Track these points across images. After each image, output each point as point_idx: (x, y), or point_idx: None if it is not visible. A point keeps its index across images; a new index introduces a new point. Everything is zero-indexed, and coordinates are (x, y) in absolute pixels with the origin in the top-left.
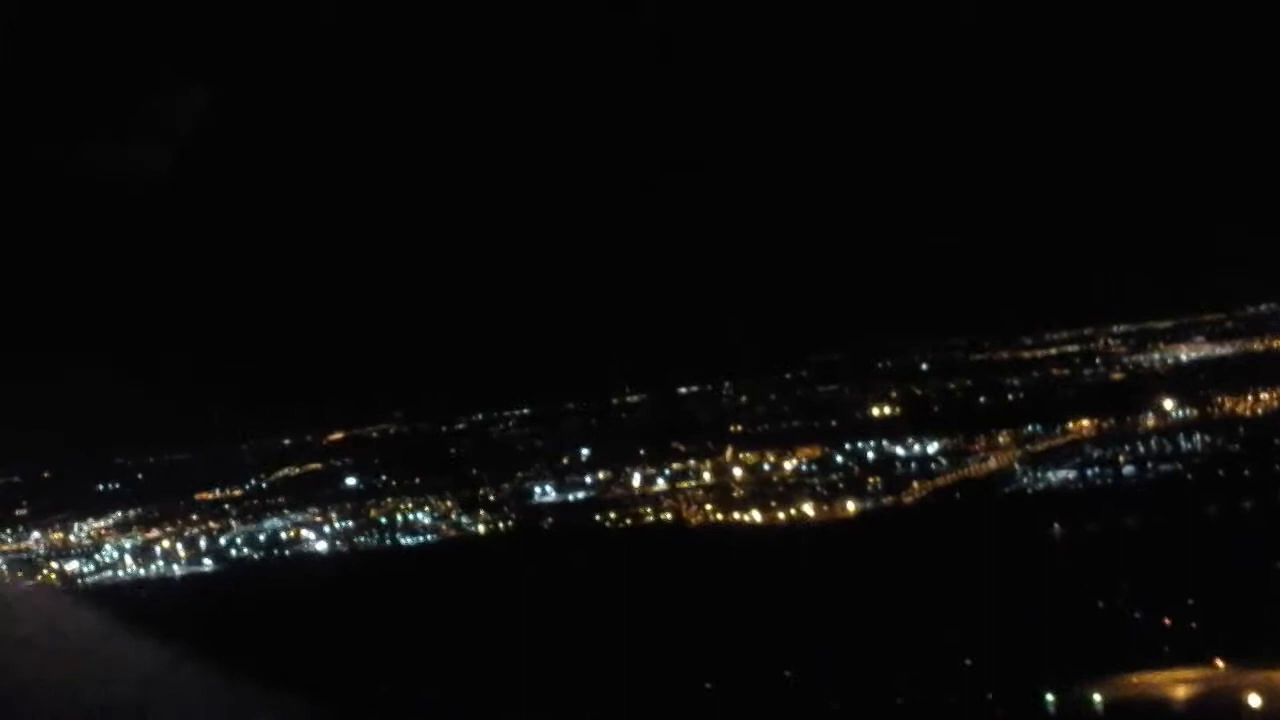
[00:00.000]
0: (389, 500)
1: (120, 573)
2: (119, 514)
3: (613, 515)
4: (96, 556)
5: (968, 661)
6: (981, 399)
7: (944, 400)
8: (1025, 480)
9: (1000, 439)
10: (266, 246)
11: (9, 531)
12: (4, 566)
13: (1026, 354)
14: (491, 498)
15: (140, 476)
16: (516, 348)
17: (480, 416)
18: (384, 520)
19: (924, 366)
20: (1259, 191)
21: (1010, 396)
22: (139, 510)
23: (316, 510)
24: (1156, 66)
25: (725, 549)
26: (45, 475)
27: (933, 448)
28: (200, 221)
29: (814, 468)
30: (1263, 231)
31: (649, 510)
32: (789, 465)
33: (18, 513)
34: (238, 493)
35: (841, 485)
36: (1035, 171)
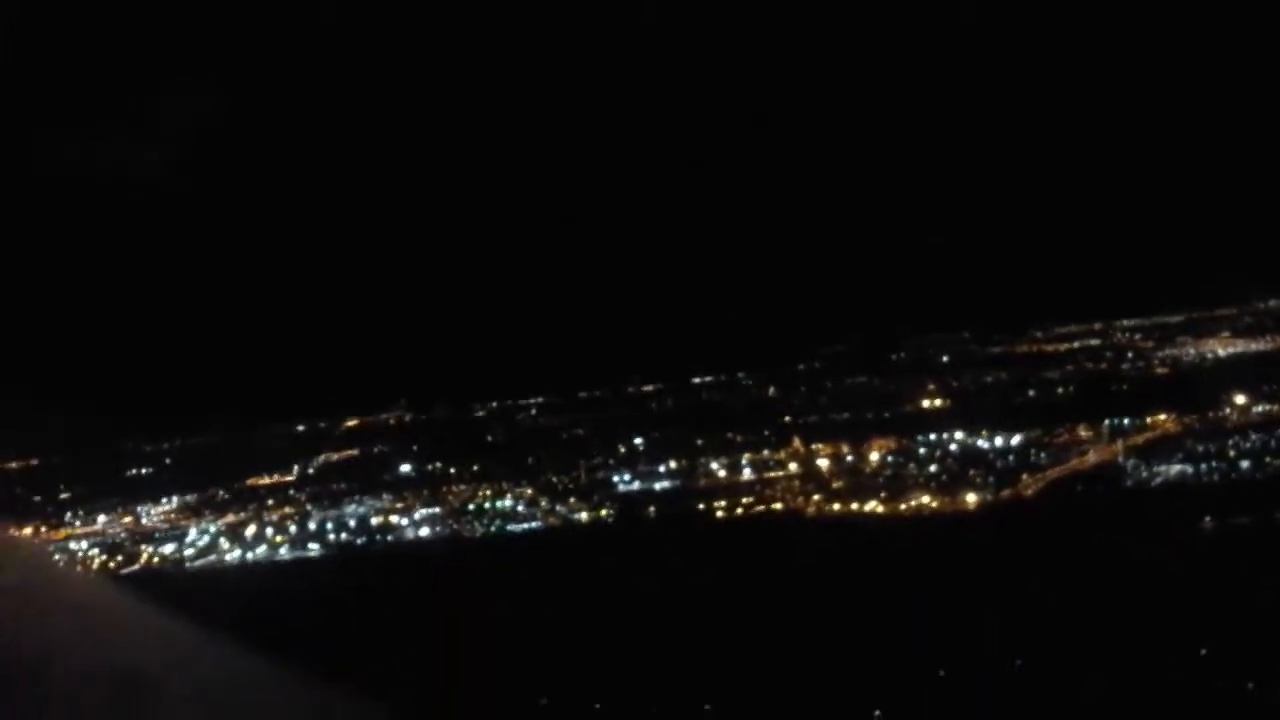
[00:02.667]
0: (461, 487)
1: (226, 558)
2: (177, 498)
3: (721, 504)
4: (189, 540)
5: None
6: (1030, 392)
7: (989, 393)
8: (1142, 474)
9: (1081, 432)
10: (260, 239)
11: (69, 515)
12: (90, 550)
13: (1049, 348)
14: (571, 485)
15: (168, 462)
16: (518, 335)
17: (495, 404)
18: (472, 507)
19: (944, 359)
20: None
21: (1060, 390)
22: (201, 495)
23: (392, 496)
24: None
25: (854, 539)
26: (56, 461)
27: (1015, 440)
28: (194, 215)
29: (901, 459)
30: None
31: (753, 500)
32: (874, 456)
33: (61, 497)
34: (289, 478)
35: (945, 478)
36: (1032, 164)
